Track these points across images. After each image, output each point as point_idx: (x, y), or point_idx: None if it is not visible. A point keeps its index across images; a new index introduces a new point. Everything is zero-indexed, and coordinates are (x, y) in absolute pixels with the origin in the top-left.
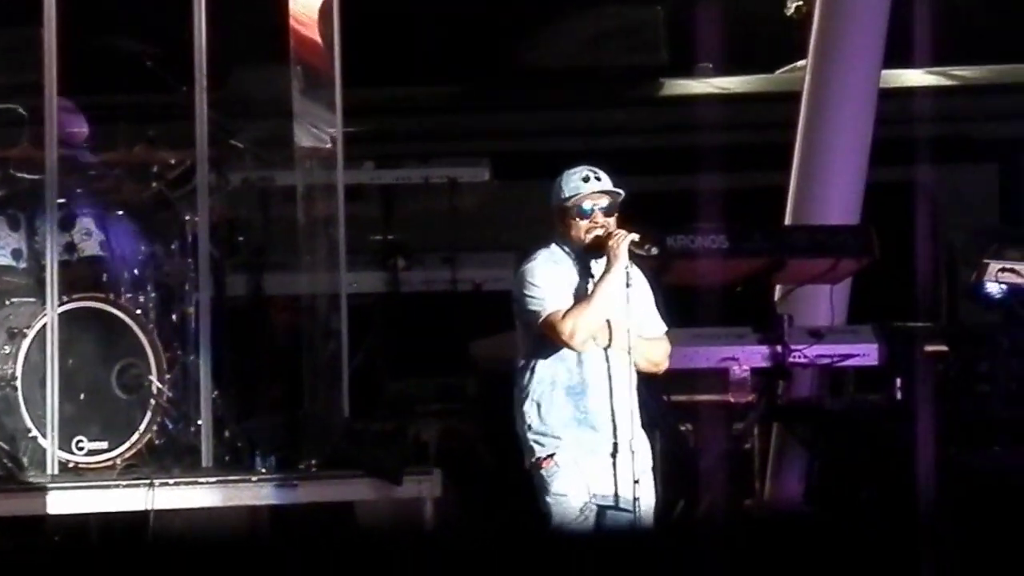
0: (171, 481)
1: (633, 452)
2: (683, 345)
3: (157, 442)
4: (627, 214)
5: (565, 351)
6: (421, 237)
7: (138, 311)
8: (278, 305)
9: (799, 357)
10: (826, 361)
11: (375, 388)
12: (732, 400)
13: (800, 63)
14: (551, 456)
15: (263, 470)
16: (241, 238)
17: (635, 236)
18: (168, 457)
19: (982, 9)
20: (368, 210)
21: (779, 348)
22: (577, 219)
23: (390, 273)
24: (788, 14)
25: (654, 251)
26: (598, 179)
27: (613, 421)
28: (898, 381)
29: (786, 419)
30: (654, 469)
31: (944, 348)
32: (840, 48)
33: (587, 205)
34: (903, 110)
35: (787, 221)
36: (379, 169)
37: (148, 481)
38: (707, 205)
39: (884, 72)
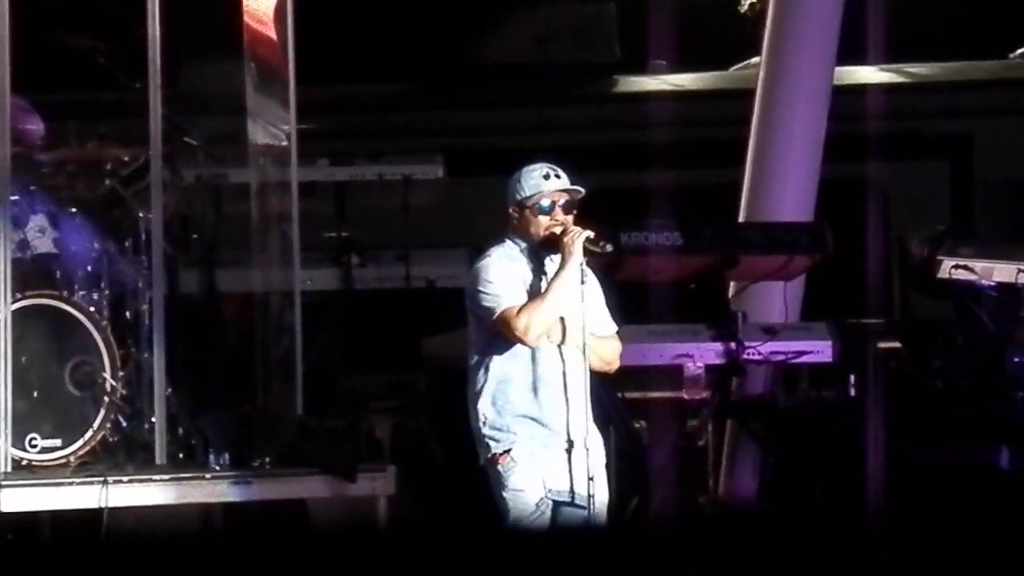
0: (125, 478)
1: (587, 449)
2: (637, 342)
3: (111, 439)
4: (582, 211)
5: (519, 347)
6: (375, 234)
7: (91, 308)
8: (231, 302)
9: (753, 354)
10: (780, 358)
11: (329, 385)
12: (686, 397)
13: (754, 60)
14: (507, 452)
15: (217, 467)
16: (195, 235)
17: (590, 233)
18: (122, 454)
19: (934, 6)
20: (322, 207)
21: (733, 345)
22: (538, 216)
23: (344, 270)
24: (742, 11)
25: (609, 248)
26: (558, 176)
27: (567, 418)
28: (852, 378)
29: (740, 416)
30: (608, 466)
31: (897, 345)
32: (793, 45)
33: (547, 202)
34: (856, 107)
35: (741, 218)
36: (333, 166)
37: (102, 479)
38: (661, 202)
39: (837, 69)
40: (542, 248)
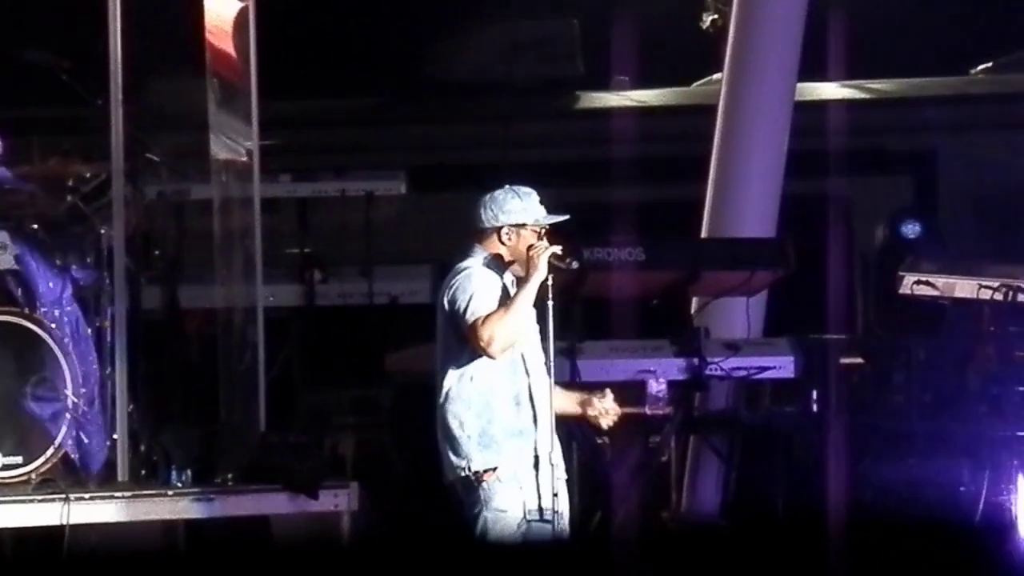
0: (87, 495)
1: (553, 464)
2: (599, 358)
3: (72, 456)
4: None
5: (503, 360)
6: (337, 250)
7: (53, 325)
8: (194, 318)
9: (715, 370)
10: (742, 373)
11: (291, 401)
12: (648, 413)
13: (716, 76)
14: (493, 470)
15: (179, 484)
16: (157, 251)
17: (557, 249)
18: (83, 471)
19: (896, 22)
20: (284, 223)
21: (695, 360)
22: (532, 238)
23: (306, 286)
24: (704, 27)
25: (575, 264)
26: (540, 202)
27: (536, 432)
28: (814, 393)
29: (702, 431)
30: (570, 482)
31: (859, 360)
32: (755, 61)
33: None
34: (818, 123)
35: (703, 233)
36: (295, 182)
37: (63, 495)
38: (623, 217)
39: (799, 85)
40: (507, 265)
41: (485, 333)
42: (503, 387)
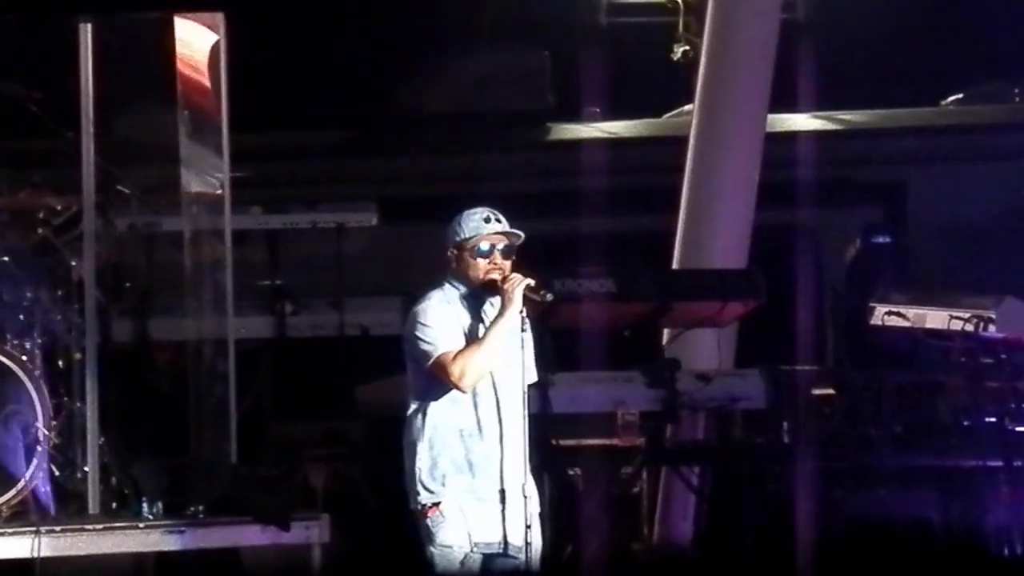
0: (58, 528)
1: (526, 497)
2: (571, 389)
3: (43, 489)
4: (521, 259)
5: (457, 393)
6: (308, 282)
7: (24, 357)
8: (165, 351)
9: (687, 401)
10: (713, 404)
11: (262, 433)
12: (620, 444)
13: (687, 107)
14: (436, 505)
15: (150, 516)
16: (127, 284)
17: (531, 281)
18: (54, 504)
19: (866, 54)
20: (255, 255)
21: (667, 392)
22: (476, 259)
23: (277, 318)
24: (675, 58)
25: (549, 297)
26: (498, 220)
27: (502, 465)
28: (785, 424)
29: (674, 462)
30: (542, 514)
31: (830, 391)
32: (726, 92)
33: (485, 245)
34: (789, 154)
35: (675, 265)
36: (266, 214)
37: (34, 528)
38: (594, 249)
39: (770, 116)
40: (482, 291)
41: (456, 368)
42: (456, 419)
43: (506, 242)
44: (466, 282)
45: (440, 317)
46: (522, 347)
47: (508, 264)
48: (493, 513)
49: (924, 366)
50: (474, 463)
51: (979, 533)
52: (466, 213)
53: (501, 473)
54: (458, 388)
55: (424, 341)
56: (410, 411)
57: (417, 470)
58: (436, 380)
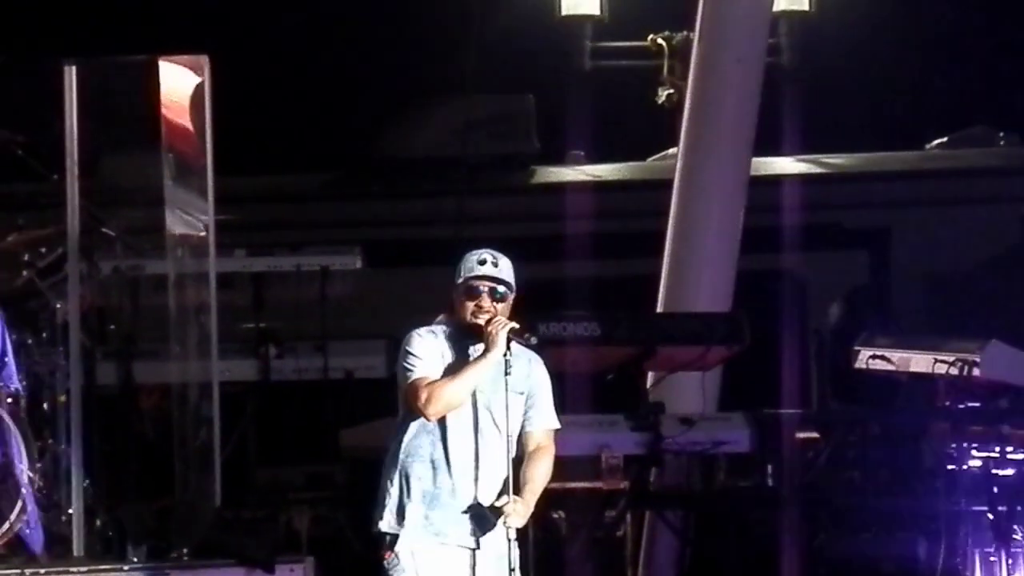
0: (42, 571)
1: (510, 540)
2: None
3: (27, 531)
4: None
5: (432, 425)
6: (293, 325)
7: (8, 400)
8: (151, 395)
9: (671, 444)
10: (698, 448)
11: (247, 476)
12: (604, 487)
13: (671, 151)
14: (391, 548)
15: (134, 559)
16: (112, 326)
17: (514, 325)
18: (39, 546)
19: (851, 98)
20: (239, 298)
21: (651, 435)
22: (465, 300)
23: (261, 361)
24: (659, 102)
25: (534, 340)
26: (495, 265)
27: (476, 503)
28: (769, 468)
29: (658, 506)
30: (524, 555)
31: (815, 435)
32: (711, 136)
33: (474, 287)
34: (773, 198)
35: (659, 308)
36: (250, 257)
37: (19, 571)
38: (578, 292)
39: (754, 160)
40: (467, 335)
41: (424, 394)
42: (426, 450)
43: (495, 286)
44: (457, 321)
45: (424, 346)
46: (506, 390)
47: (499, 307)
48: (450, 554)
49: (909, 410)
50: (438, 497)
51: None
52: (469, 253)
53: (479, 511)
54: (423, 415)
55: (404, 366)
56: (391, 444)
57: (382, 496)
58: (407, 406)
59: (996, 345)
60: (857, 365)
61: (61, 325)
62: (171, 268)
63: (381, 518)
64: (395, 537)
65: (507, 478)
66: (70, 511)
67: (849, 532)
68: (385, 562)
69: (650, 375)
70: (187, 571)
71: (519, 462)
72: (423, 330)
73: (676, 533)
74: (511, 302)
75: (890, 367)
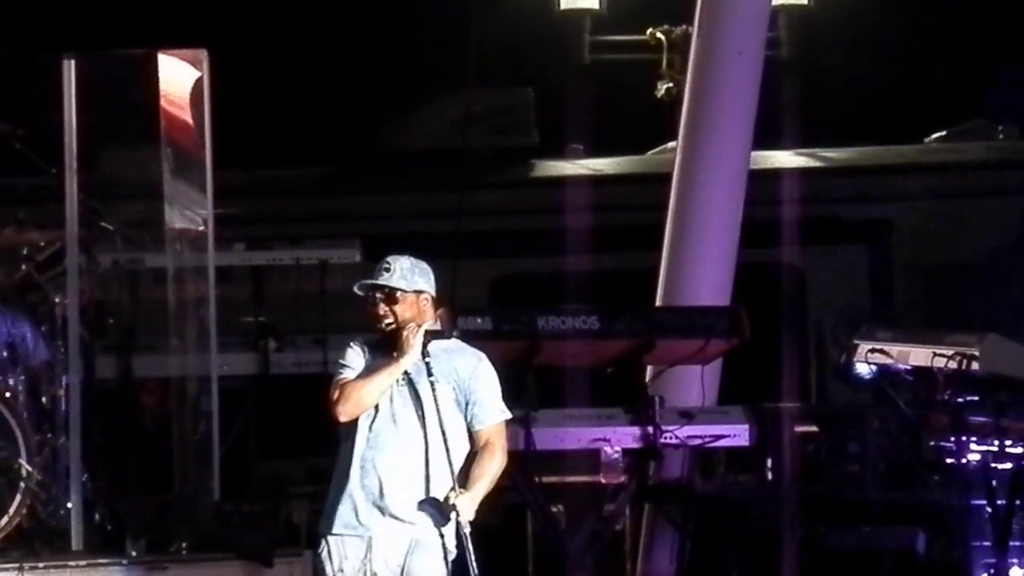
0: (41, 564)
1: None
2: (554, 426)
3: (26, 525)
4: (437, 297)
5: (357, 428)
6: (292, 319)
7: (7, 394)
8: (151, 394)
9: (670, 438)
10: (697, 442)
11: (246, 470)
12: (603, 481)
13: (670, 144)
14: (322, 541)
15: (133, 553)
16: (111, 320)
17: (425, 327)
18: (38, 540)
19: (850, 91)
20: (239, 292)
21: (650, 429)
22: (370, 307)
23: (261, 355)
24: (658, 96)
25: (455, 335)
26: (387, 269)
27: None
28: (768, 462)
29: (657, 500)
30: (522, 550)
31: (814, 429)
32: (710, 129)
33: (369, 296)
34: (773, 191)
35: (658, 302)
36: (250, 250)
37: (17, 565)
38: (578, 286)
39: (753, 153)
40: (389, 342)
41: (335, 393)
42: (352, 449)
43: (387, 292)
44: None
45: (352, 354)
46: (433, 392)
47: (398, 309)
48: (362, 546)
49: (908, 403)
50: (354, 495)
51: (963, 570)
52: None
53: (397, 507)
54: (334, 414)
55: (337, 368)
56: None
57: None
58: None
59: (995, 338)
60: (856, 359)
61: (60, 319)
62: (170, 262)
63: (321, 520)
64: (319, 532)
65: (452, 472)
66: (69, 505)
67: (848, 525)
68: (317, 553)
69: (649, 369)
70: (186, 565)
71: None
72: (357, 340)
73: (675, 527)
74: (413, 300)
75: (889, 361)
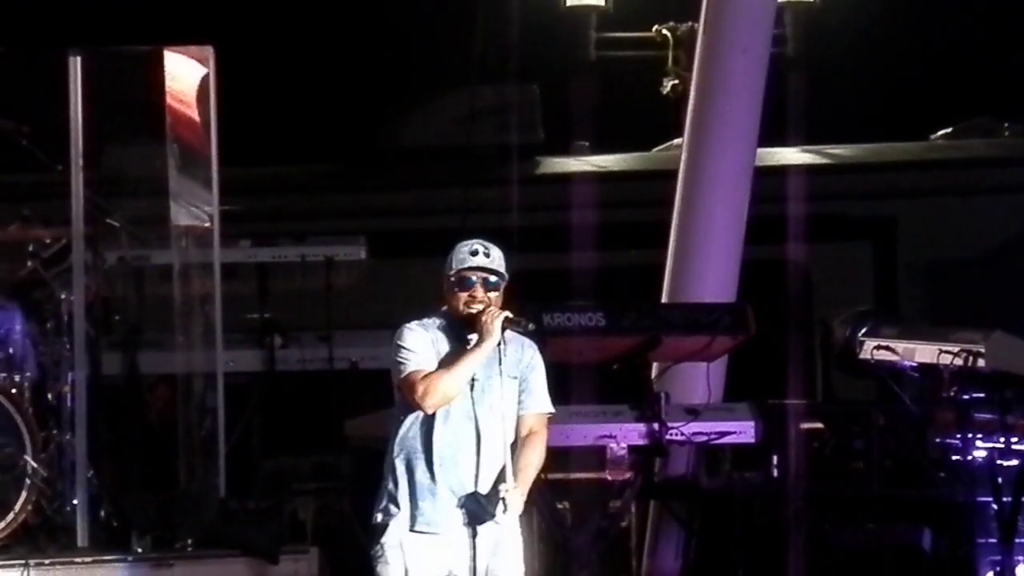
0: (46, 561)
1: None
2: (559, 423)
3: (32, 522)
4: (510, 291)
5: (432, 419)
6: (297, 315)
7: (13, 390)
8: (154, 384)
9: (676, 435)
10: (702, 438)
11: (251, 467)
12: (609, 478)
13: (676, 141)
14: (380, 539)
15: (139, 549)
16: (117, 317)
17: (507, 314)
18: (43, 537)
19: (856, 88)
20: (244, 288)
21: (656, 426)
22: (457, 290)
23: (266, 351)
24: (664, 92)
25: (531, 327)
26: (487, 255)
27: (476, 493)
28: (774, 458)
29: (662, 497)
30: (530, 547)
31: (819, 425)
32: (715, 126)
33: (467, 277)
34: (778, 188)
35: (664, 299)
36: (255, 247)
37: (23, 561)
38: (583, 283)
39: (759, 150)
40: (461, 326)
41: (421, 388)
42: (425, 443)
43: (491, 276)
44: (450, 312)
45: (417, 339)
46: (500, 378)
47: (492, 297)
48: (443, 546)
49: (913, 400)
50: (434, 490)
51: (968, 567)
52: (458, 245)
53: (476, 500)
54: (421, 408)
55: (398, 360)
56: (390, 436)
57: (381, 494)
58: (405, 401)
59: (1001, 335)
60: (862, 356)
61: (66, 315)
62: (176, 258)
63: (376, 511)
64: (383, 528)
65: (504, 465)
66: (74, 501)
67: (854, 523)
68: (372, 552)
69: (655, 365)
70: (191, 562)
71: (513, 447)
72: (414, 324)
73: (681, 524)
74: (503, 291)
75: (894, 357)
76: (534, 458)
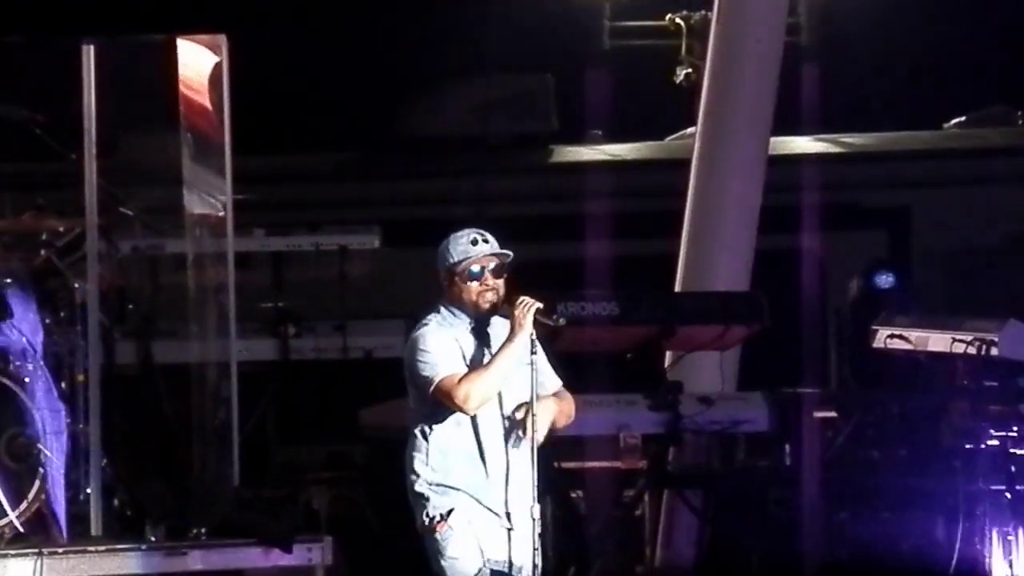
0: (60, 550)
1: (533, 519)
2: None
3: (46, 511)
4: (517, 279)
5: (461, 416)
6: (311, 304)
7: (26, 379)
8: (167, 373)
9: (689, 424)
10: (716, 427)
11: (265, 455)
12: (623, 467)
13: (689, 130)
14: (444, 519)
15: (153, 538)
16: (131, 306)
17: (540, 305)
18: (57, 526)
19: (870, 77)
20: (258, 277)
21: (670, 415)
22: (468, 282)
23: (280, 340)
24: (677, 81)
25: (562, 321)
26: (486, 241)
27: (507, 487)
28: (787, 447)
29: (676, 485)
30: (545, 535)
31: (833, 414)
32: (729, 115)
33: (476, 268)
34: (792, 177)
35: (677, 288)
36: (269, 236)
37: (37, 550)
38: (598, 272)
39: (773, 139)
40: (481, 315)
41: (461, 392)
42: (460, 443)
43: (495, 262)
44: (461, 306)
45: (439, 341)
46: (532, 369)
47: (500, 283)
48: (500, 533)
49: (927, 389)
50: (479, 485)
51: (981, 556)
52: (452, 237)
53: (507, 496)
54: (463, 411)
55: (425, 366)
56: (412, 434)
57: (422, 489)
58: (438, 405)
59: (1014, 324)
60: (875, 344)
61: (80, 304)
62: (190, 247)
63: (427, 507)
64: (449, 511)
65: (532, 449)
66: (88, 490)
67: (867, 512)
68: (438, 534)
69: (668, 355)
70: (205, 550)
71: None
72: (431, 324)
73: (695, 512)
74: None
75: (909, 347)
76: (565, 405)
